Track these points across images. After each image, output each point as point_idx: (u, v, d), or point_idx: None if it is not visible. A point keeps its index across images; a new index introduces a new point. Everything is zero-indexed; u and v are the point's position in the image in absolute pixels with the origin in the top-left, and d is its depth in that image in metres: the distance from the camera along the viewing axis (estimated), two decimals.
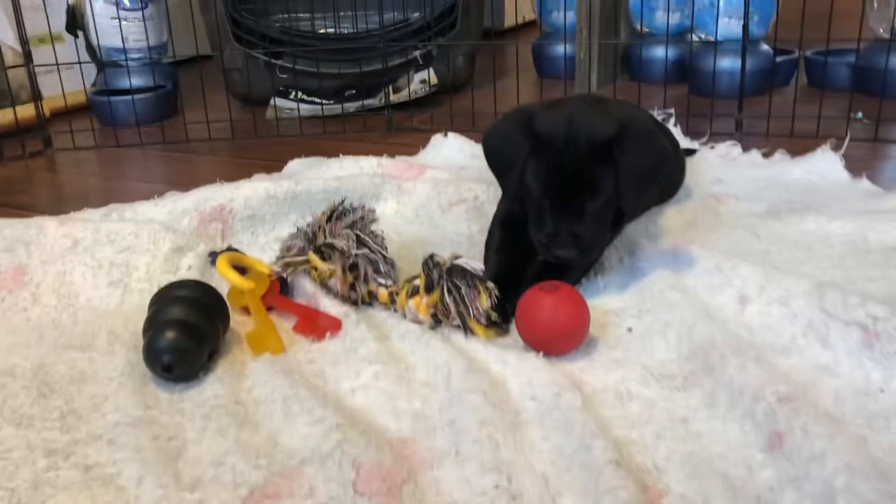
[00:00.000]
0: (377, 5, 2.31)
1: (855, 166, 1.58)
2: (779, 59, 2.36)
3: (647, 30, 2.65)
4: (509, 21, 3.86)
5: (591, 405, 0.88)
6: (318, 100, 2.34)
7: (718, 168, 1.65)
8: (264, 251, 1.32)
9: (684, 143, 1.83)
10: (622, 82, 2.55)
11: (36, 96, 2.06)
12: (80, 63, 2.14)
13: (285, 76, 2.41)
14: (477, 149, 1.81)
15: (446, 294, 1.03)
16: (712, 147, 1.79)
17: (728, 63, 2.25)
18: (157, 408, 0.92)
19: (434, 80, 2.38)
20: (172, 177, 1.83)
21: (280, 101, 2.35)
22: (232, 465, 0.81)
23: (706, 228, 1.33)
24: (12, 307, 1.16)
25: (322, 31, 2.52)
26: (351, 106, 2.33)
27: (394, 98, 2.29)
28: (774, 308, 1.02)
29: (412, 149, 1.87)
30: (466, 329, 1.03)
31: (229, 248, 1.26)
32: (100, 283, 1.20)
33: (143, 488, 0.77)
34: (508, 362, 0.96)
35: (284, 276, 1.17)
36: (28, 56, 2.02)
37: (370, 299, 1.12)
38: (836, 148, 1.62)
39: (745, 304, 1.05)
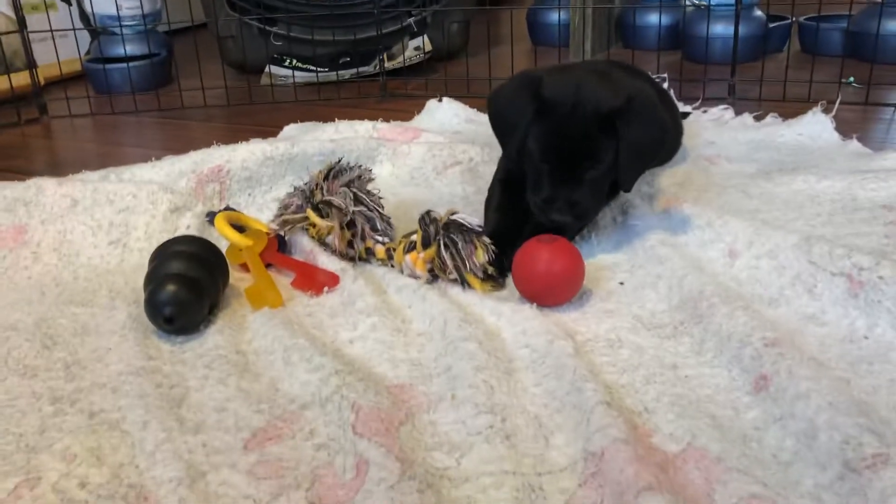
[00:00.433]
0: None
1: (845, 129, 1.60)
2: (772, 24, 2.37)
3: None
4: None
5: (582, 352, 0.90)
6: (312, 67, 2.34)
7: (711, 131, 1.66)
8: (261, 211, 1.34)
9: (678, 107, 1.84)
10: (616, 49, 2.56)
11: (31, 63, 2.06)
12: (73, 29, 2.13)
13: (279, 44, 2.41)
14: (471, 113, 1.83)
15: (443, 249, 1.05)
16: (705, 111, 1.81)
17: (721, 29, 2.26)
18: (159, 358, 0.94)
19: (428, 46, 2.38)
20: (168, 142, 1.84)
21: (275, 69, 2.36)
22: (234, 411, 0.84)
23: (698, 188, 1.34)
24: (13, 265, 1.18)
25: None
26: (346, 73, 2.34)
27: (388, 65, 2.30)
28: (763, 261, 1.05)
29: (407, 114, 1.88)
30: (463, 282, 1.05)
31: (227, 209, 1.27)
32: (100, 243, 1.22)
33: (148, 432, 0.79)
34: (503, 314, 0.99)
35: (282, 233, 1.19)
36: (22, 22, 2.01)
37: (367, 256, 1.14)
38: (826, 111, 1.63)
39: (734, 257, 1.08)
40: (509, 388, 0.85)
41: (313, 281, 1.09)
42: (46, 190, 1.26)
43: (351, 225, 1.13)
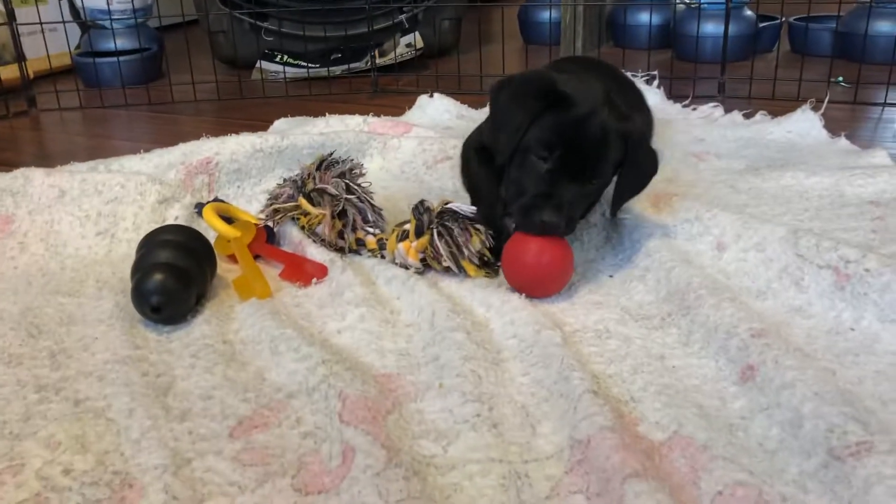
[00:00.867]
0: None
1: (834, 127, 1.61)
2: (762, 24, 2.38)
3: None
4: None
5: (570, 342, 0.91)
6: (303, 63, 2.34)
7: (700, 128, 1.67)
8: (250, 203, 1.33)
9: (667, 105, 1.85)
10: (607, 48, 2.56)
11: (20, 56, 2.05)
12: (63, 22, 2.12)
13: (271, 39, 2.40)
14: (462, 109, 1.83)
15: (436, 237, 1.05)
16: (695, 108, 1.81)
17: (711, 28, 2.27)
18: (145, 347, 0.93)
19: (420, 43, 2.38)
20: (158, 136, 1.83)
21: (265, 64, 2.35)
22: (220, 399, 0.83)
23: (687, 183, 1.35)
24: None
25: None
26: (337, 69, 2.33)
27: (379, 61, 2.29)
28: (751, 254, 1.05)
29: (398, 110, 1.88)
30: (460, 269, 1.05)
31: (216, 200, 1.27)
32: (87, 233, 1.21)
33: (133, 419, 0.79)
34: (492, 305, 0.99)
35: (272, 223, 1.19)
36: (11, 15, 2.00)
37: (358, 247, 1.14)
38: (815, 109, 1.64)
39: (722, 250, 1.08)
40: (497, 378, 0.85)
41: (302, 272, 1.09)
42: (34, 180, 1.26)
43: (342, 215, 1.13)
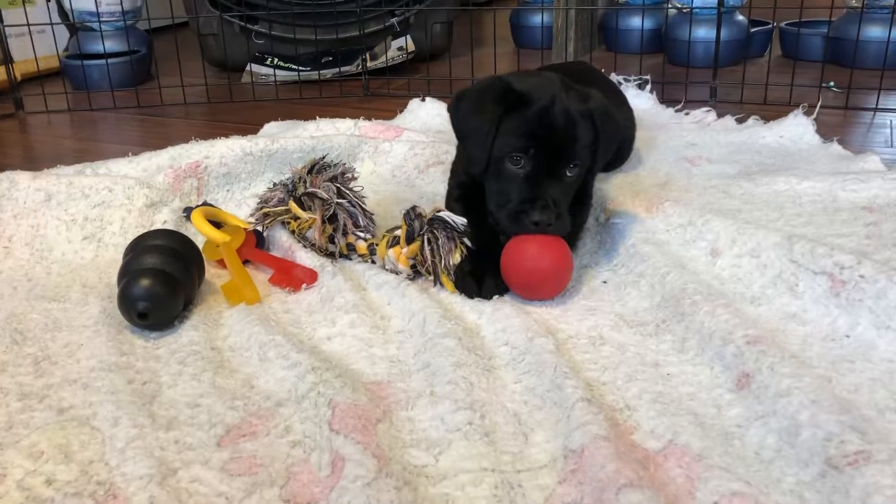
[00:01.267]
0: None
1: (826, 132, 1.60)
2: (753, 29, 2.38)
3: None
4: None
5: (563, 349, 0.89)
6: (294, 66, 2.32)
7: (692, 133, 1.66)
8: (240, 207, 1.32)
9: (659, 110, 1.85)
10: (599, 52, 2.56)
11: (7, 57, 2.03)
12: (51, 24, 2.10)
13: (261, 42, 2.39)
14: None
15: (426, 244, 1.04)
16: (687, 113, 1.81)
17: (703, 33, 2.27)
18: (132, 354, 0.92)
19: (411, 47, 2.37)
20: (147, 139, 1.81)
21: (256, 67, 2.34)
22: (208, 407, 0.82)
23: (679, 188, 1.34)
24: None
25: None
26: (328, 72, 2.32)
27: (371, 65, 2.28)
28: (745, 259, 1.04)
29: (389, 114, 1.87)
30: (437, 279, 1.04)
31: (204, 204, 1.25)
32: (73, 238, 1.19)
33: (118, 428, 0.77)
34: (484, 311, 0.98)
35: (261, 227, 1.17)
36: None
37: (348, 252, 1.12)
38: (807, 114, 1.64)
39: (716, 256, 1.07)
40: (489, 385, 0.84)
41: (291, 277, 1.07)
42: (19, 183, 1.24)
43: (333, 219, 1.12)
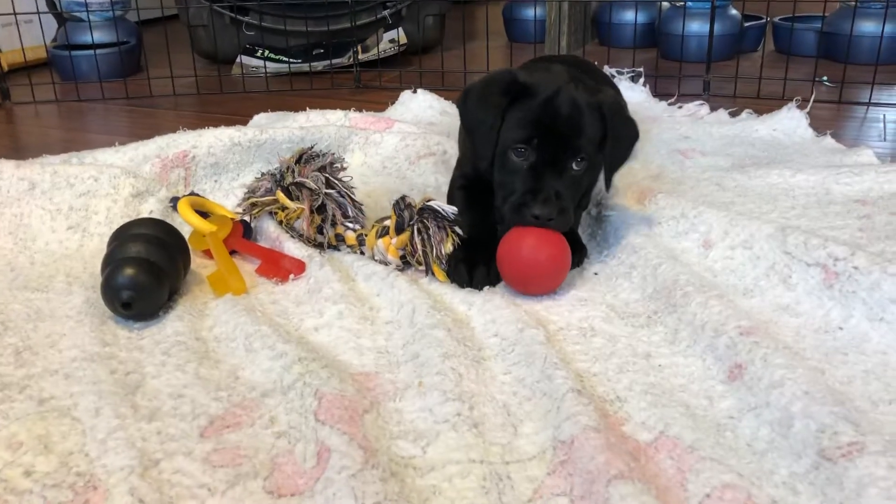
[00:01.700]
0: None
1: (819, 126, 1.60)
2: (747, 24, 2.37)
3: None
4: None
5: (554, 341, 0.88)
6: (285, 58, 2.30)
7: (685, 126, 1.65)
8: (227, 197, 1.30)
9: (652, 103, 1.84)
10: (592, 46, 2.55)
11: None
12: (38, 13, 2.07)
13: (252, 33, 2.37)
14: (446, 105, 1.80)
15: (416, 234, 1.02)
16: (680, 107, 1.80)
17: (697, 27, 2.26)
18: (115, 344, 0.90)
19: (403, 39, 2.35)
20: (135, 129, 1.79)
21: (246, 59, 2.31)
22: (191, 398, 0.80)
23: (672, 181, 1.33)
24: None
25: None
26: (319, 64, 2.30)
27: (362, 57, 2.26)
28: (738, 251, 1.03)
29: (380, 106, 1.85)
30: (428, 269, 1.02)
31: (192, 194, 1.23)
32: (58, 227, 1.17)
33: (100, 419, 0.76)
34: (473, 302, 0.96)
35: (248, 218, 1.16)
36: None
37: (337, 242, 1.11)
38: (801, 108, 1.63)
39: (709, 248, 1.06)
40: (478, 376, 0.82)
41: (279, 268, 1.06)
42: (3, 172, 1.22)
43: (321, 210, 1.10)
